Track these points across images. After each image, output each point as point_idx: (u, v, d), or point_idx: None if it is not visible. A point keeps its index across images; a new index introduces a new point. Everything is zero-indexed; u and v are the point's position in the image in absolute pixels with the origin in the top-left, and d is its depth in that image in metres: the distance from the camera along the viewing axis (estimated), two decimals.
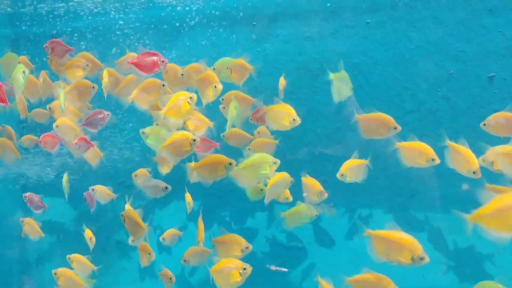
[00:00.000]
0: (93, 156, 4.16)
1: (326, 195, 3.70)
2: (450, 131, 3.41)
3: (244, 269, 3.26)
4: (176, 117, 3.40)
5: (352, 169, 3.57)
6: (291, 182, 3.53)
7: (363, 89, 4.00)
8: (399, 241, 2.75)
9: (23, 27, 5.34)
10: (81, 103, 3.83)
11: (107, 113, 3.77)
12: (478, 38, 3.62)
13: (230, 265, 3.32)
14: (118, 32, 4.87)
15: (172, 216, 4.86)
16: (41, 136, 4.14)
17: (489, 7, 3.56)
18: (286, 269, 4.25)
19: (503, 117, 3.22)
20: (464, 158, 3.16)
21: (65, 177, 4.24)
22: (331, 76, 3.62)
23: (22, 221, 4.67)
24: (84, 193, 4.41)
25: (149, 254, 4.11)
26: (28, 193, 4.39)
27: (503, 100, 3.57)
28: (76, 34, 5.04)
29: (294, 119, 3.49)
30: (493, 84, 3.61)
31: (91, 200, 4.36)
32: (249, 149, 3.89)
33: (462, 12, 3.65)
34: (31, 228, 4.64)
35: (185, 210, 4.09)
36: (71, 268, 4.23)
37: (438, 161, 3.26)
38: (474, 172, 3.11)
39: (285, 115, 3.50)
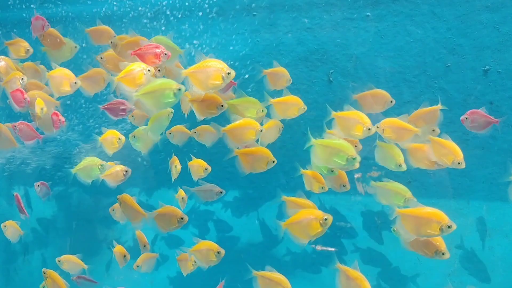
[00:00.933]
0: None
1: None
2: (446, 121, 3.63)
3: (325, 219, 3.10)
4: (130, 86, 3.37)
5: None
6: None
7: (362, 80, 4.12)
8: (426, 215, 2.93)
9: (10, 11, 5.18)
10: (94, 91, 3.75)
11: (131, 107, 3.73)
12: (474, 33, 3.81)
13: (310, 216, 3.15)
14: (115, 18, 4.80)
15: None
16: (18, 122, 4.00)
17: (486, 4, 3.75)
18: (333, 249, 4.30)
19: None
20: (448, 150, 3.35)
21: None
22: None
23: (4, 226, 4.63)
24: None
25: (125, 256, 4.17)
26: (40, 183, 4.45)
27: (497, 92, 3.79)
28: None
29: (369, 129, 3.31)
30: (488, 77, 3.82)
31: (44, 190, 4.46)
32: (195, 132, 3.94)
33: (460, 8, 3.82)
34: (13, 231, 4.63)
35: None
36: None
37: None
38: (459, 163, 3.31)
39: (358, 123, 3.35)
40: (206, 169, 3.92)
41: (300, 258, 4.39)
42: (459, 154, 3.30)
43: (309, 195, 3.83)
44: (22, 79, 3.74)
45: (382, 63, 4.08)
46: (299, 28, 4.30)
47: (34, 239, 5.23)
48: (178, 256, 4.03)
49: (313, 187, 3.79)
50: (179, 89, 3.18)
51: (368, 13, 4.09)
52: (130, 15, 4.76)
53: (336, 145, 3.19)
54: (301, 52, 4.31)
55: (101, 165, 3.91)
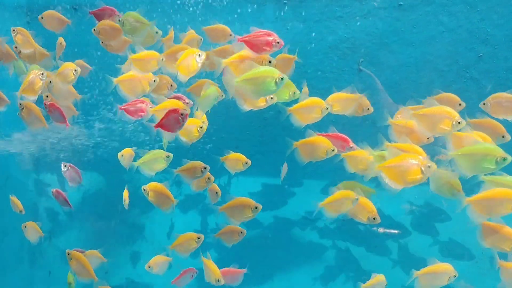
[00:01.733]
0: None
1: None
2: (477, 112, 3.64)
3: (429, 166, 2.86)
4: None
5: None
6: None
7: (393, 69, 4.16)
8: (499, 196, 2.93)
9: None
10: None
11: (189, 101, 3.63)
12: (508, 24, 3.84)
13: (411, 160, 2.90)
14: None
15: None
16: (50, 104, 3.91)
17: None
18: (396, 231, 4.27)
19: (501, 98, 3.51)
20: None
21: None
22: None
23: (24, 226, 4.56)
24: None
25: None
26: (68, 164, 4.27)
27: None
28: None
29: (459, 122, 3.02)
30: None
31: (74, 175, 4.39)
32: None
33: None
34: (33, 231, 4.58)
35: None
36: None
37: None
38: None
39: (445, 118, 3.07)
40: (246, 162, 3.92)
41: (327, 247, 4.45)
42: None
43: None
44: (75, 70, 3.68)
45: (413, 52, 4.11)
46: (330, 17, 4.32)
47: (60, 223, 5.29)
48: (222, 229, 3.95)
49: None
50: (282, 78, 3.01)
51: (401, 3, 4.11)
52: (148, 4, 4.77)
53: (480, 149, 2.92)
54: (331, 40, 4.34)
55: (167, 157, 3.75)
